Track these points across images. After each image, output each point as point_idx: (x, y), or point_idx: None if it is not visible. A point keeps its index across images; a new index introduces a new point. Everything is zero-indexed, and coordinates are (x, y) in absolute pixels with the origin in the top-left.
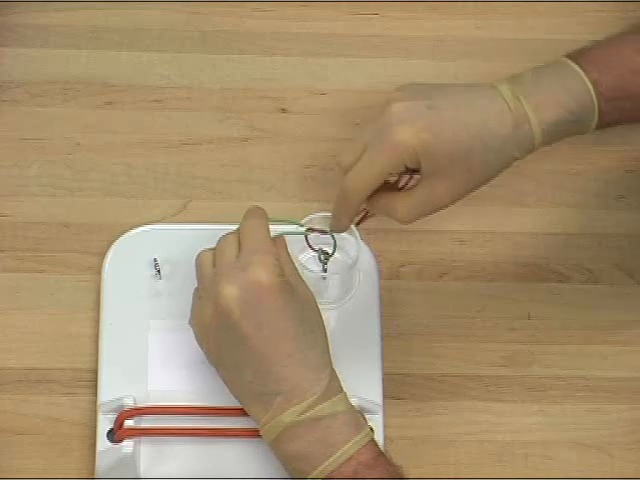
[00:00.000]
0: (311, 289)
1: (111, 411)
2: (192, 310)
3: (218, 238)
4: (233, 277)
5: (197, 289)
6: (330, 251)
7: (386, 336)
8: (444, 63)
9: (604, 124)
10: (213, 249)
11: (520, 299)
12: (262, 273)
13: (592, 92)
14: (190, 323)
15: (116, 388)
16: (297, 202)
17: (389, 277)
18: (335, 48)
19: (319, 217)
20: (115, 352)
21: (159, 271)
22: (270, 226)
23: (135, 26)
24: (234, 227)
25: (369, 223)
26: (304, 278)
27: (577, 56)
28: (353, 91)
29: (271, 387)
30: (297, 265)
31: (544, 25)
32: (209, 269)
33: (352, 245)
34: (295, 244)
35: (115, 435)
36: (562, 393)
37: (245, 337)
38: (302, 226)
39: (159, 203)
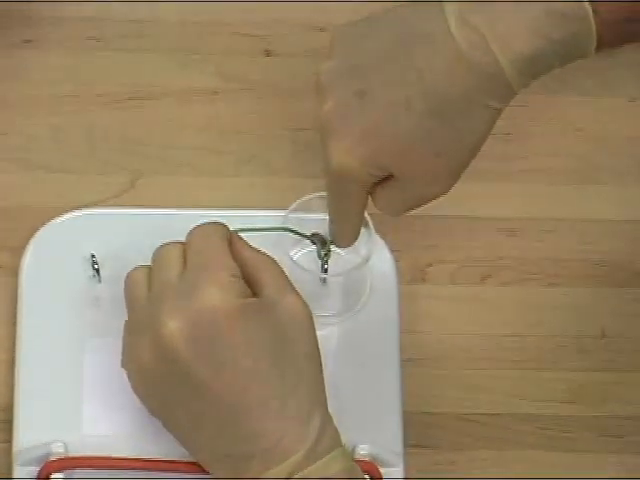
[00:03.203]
0: (305, 297)
1: (33, 461)
2: (123, 349)
3: (169, 230)
4: (176, 304)
5: (128, 321)
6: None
7: (407, 361)
8: None
9: (599, 48)
10: (149, 266)
11: (591, 311)
12: (215, 296)
13: (589, 15)
14: (123, 366)
15: (39, 431)
16: (286, 177)
17: (412, 280)
18: None
19: (315, 199)
20: (38, 382)
21: (97, 271)
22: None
23: None
24: (200, 214)
25: None
26: (295, 283)
27: None
28: None
29: (241, 447)
30: (287, 264)
31: None
32: (143, 294)
33: (363, 237)
34: (287, 236)
35: None
36: None
37: (200, 385)
38: (296, 232)
39: (98, 179)
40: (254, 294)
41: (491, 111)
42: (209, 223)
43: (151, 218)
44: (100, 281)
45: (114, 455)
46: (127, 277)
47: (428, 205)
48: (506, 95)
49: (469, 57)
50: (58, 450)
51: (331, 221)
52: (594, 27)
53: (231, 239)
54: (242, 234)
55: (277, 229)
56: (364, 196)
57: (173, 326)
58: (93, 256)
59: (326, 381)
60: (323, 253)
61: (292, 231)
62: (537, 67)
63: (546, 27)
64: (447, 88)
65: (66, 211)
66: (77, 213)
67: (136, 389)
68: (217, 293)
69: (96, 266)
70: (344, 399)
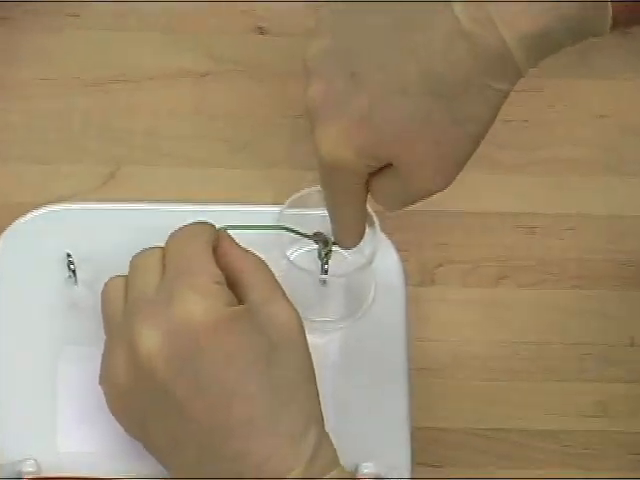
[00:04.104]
0: (302, 301)
1: None
2: (101, 366)
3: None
4: (153, 316)
5: (106, 338)
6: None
7: (415, 371)
8: None
9: (614, 27)
10: (127, 276)
11: (619, 316)
12: (194, 306)
13: None
14: (100, 384)
15: (11, 448)
16: (283, 169)
17: (420, 283)
18: None
19: (314, 193)
20: (8, 394)
21: (74, 272)
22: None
23: None
24: (188, 209)
25: None
26: (289, 286)
27: None
28: None
29: (227, 467)
30: (283, 264)
31: None
32: (118, 308)
33: (367, 236)
34: (283, 233)
35: None
36: None
37: (180, 403)
38: (295, 232)
39: (74, 170)
40: (239, 301)
41: (496, 94)
42: (192, 224)
43: (133, 214)
44: (76, 283)
45: (91, 475)
46: (103, 290)
47: (438, 200)
48: (512, 76)
49: (472, 35)
50: (29, 469)
51: (331, 220)
52: (610, 5)
53: (218, 238)
54: (234, 232)
55: (274, 227)
56: (362, 189)
57: (149, 342)
58: (69, 256)
59: (326, 393)
60: (324, 253)
61: (291, 230)
62: (547, 46)
63: (558, 3)
64: (448, 70)
65: (39, 206)
66: (51, 208)
67: (113, 409)
68: (196, 302)
69: (72, 267)
70: (346, 413)
